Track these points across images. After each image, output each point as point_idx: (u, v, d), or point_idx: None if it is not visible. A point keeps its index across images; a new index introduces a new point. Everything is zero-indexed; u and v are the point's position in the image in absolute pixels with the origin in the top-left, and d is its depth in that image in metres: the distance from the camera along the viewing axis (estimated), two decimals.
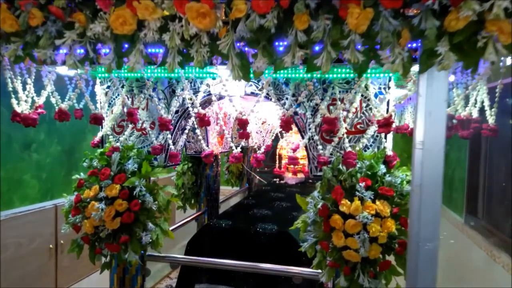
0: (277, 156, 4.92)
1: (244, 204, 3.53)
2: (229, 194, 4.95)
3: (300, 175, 4.88)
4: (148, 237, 2.18)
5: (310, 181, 4.94)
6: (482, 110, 2.26)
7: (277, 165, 5.05)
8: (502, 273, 3.31)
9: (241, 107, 2.03)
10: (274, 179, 5.10)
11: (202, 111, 1.80)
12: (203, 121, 1.78)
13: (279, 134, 5.00)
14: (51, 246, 3.40)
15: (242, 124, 1.77)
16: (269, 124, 4.79)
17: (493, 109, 2.20)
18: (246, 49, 1.21)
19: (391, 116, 1.65)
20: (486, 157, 4.24)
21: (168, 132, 2.18)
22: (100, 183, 2.18)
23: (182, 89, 2.13)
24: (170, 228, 3.40)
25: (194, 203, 3.89)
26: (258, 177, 5.52)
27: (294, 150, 4.01)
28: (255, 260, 2.30)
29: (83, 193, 2.24)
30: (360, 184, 1.89)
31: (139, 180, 2.15)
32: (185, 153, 3.46)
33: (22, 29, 1.30)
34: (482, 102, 2.21)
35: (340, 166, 1.97)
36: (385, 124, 1.62)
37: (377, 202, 1.86)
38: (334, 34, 1.06)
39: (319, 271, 2.05)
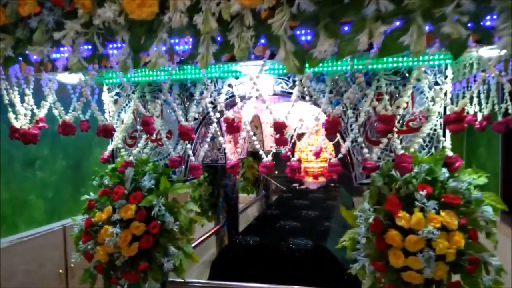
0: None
1: (268, 215, 3.24)
2: (247, 203, 4.67)
3: (321, 179, 4.58)
4: (171, 263, 1.90)
5: (332, 184, 4.64)
6: None
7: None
8: None
9: (270, 109, 1.75)
10: (294, 185, 4.81)
11: (230, 115, 1.52)
12: (233, 127, 1.50)
13: (295, 137, 4.73)
14: (60, 271, 3.13)
15: (279, 128, 1.49)
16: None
17: None
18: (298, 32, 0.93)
19: (463, 110, 1.36)
20: None
21: (187, 141, 1.90)
22: (113, 204, 1.91)
23: (202, 92, 1.86)
24: (196, 241, 3.14)
25: (212, 215, 3.62)
26: (276, 183, 5.24)
27: (317, 154, 3.73)
28: (290, 282, 2.01)
29: (94, 215, 1.97)
30: (420, 192, 1.60)
31: (157, 198, 1.87)
32: None
33: (11, 22, 1.03)
34: None
35: (393, 172, 1.68)
36: (456, 120, 1.33)
37: (442, 213, 1.56)
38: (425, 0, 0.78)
39: None
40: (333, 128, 1.42)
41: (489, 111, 2.30)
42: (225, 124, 1.53)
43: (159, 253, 1.92)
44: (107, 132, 1.61)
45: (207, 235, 3.12)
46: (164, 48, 0.89)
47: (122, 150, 2.04)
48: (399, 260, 1.59)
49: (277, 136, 1.54)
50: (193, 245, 3.21)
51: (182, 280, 2.07)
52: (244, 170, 5.01)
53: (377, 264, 1.65)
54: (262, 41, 0.93)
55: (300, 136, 4.82)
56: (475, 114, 2.55)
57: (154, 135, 2.01)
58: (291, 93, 1.78)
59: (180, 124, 1.55)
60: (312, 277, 2.17)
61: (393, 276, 1.65)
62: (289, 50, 0.84)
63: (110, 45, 1.22)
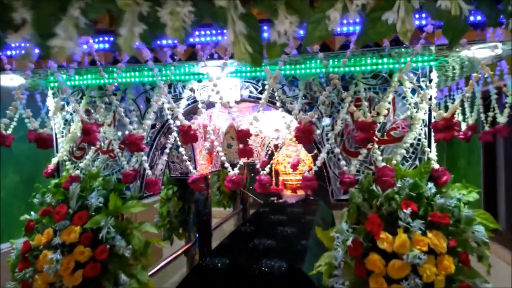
0: (273, 172, 4.42)
1: (242, 233, 3.00)
2: (222, 218, 4.41)
3: (300, 192, 4.37)
4: None
5: (312, 198, 4.44)
6: None
7: (273, 182, 4.54)
8: None
9: (237, 116, 1.54)
10: (271, 198, 4.59)
11: (186, 123, 1.30)
12: (188, 136, 1.28)
13: (272, 148, 4.52)
14: None
15: (241, 137, 1.28)
16: (261, 138, 4.30)
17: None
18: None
19: (453, 115, 1.18)
20: (504, 158, 3.83)
21: (142, 153, 1.67)
22: (55, 225, 1.65)
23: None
24: (157, 267, 2.86)
25: (183, 232, 3.35)
26: (253, 197, 5.01)
27: (294, 166, 3.53)
28: None
29: (33, 239, 1.70)
30: (404, 210, 1.40)
31: (106, 219, 1.62)
32: (168, 175, 2.93)
33: None
34: None
35: (373, 187, 1.48)
36: (446, 127, 1.14)
37: (429, 234, 1.37)
38: None
39: None
40: (305, 137, 1.22)
41: (474, 120, 2.16)
42: (181, 133, 1.30)
43: (108, 282, 1.66)
44: (44, 142, 1.36)
45: (176, 254, 2.85)
46: (75, 32, 0.67)
47: (67, 163, 1.78)
48: None
49: (241, 146, 1.32)
50: (160, 265, 2.95)
51: None
52: (220, 183, 4.77)
53: None
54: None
55: (277, 148, 4.63)
56: (459, 123, 2.41)
57: (106, 146, 1.77)
58: (260, 99, 1.59)
59: (129, 133, 1.32)
60: None
61: None
62: (239, 31, 0.64)
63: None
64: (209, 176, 3.40)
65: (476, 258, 1.44)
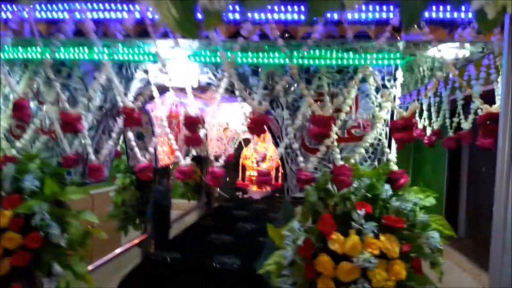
0: (240, 167, 4.34)
1: (200, 226, 2.90)
2: (185, 210, 4.29)
3: (266, 189, 4.31)
4: (53, 286, 1.51)
5: (277, 195, 4.38)
6: None
7: (240, 177, 4.46)
8: None
9: (185, 103, 1.44)
10: (237, 193, 4.50)
11: (130, 105, 1.19)
12: (131, 119, 1.17)
13: (242, 142, 4.43)
14: None
15: (190, 124, 1.18)
16: (231, 131, 4.20)
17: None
18: None
19: (413, 115, 1.12)
20: (468, 166, 3.89)
21: (86, 136, 1.54)
22: None
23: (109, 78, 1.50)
24: (106, 257, 2.72)
25: (140, 223, 3.22)
26: (218, 190, 4.91)
27: (261, 160, 3.45)
28: None
29: None
30: (358, 211, 1.34)
31: (41, 204, 1.48)
32: (126, 163, 2.79)
33: None
34: None
35: (329, 186, 1.41)
36: (404, 128, 1.08)
37: (382, 237, 1.32)
38: None
39: None
40: (257, 128, 1.13)
41: (440, 125, 2.14)
42: (124, 116, 1.19)
43: (40, 272, 1.53)
44: None
45: (128, 246, 2.72)
46: None
47: (3, 142, 1.62)
48: None
49: (189, 133, 1.22)
50: (113, 254, 2.79)
51: None
52: None
53: None
54: None
55: (248, 142, 4.54)
56: (424, 128, 2.39)
57: (48, 126, 1.62)
58: (218, 86, 1.49)
59: (62, 111, 1.19)
60: None
61: None
62: None
63: None
64: (170, 167, 3.27)
65: (428, 264, 1.40)
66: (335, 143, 1.45)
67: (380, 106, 1.48)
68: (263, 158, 3.37)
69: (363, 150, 1.47)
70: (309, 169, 1.50)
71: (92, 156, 1.55)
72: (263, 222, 3.21)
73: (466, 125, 1.86)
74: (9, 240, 1.45)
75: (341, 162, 1.44)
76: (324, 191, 1.45)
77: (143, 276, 2.03)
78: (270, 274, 1.54)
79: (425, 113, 2.31)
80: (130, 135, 1.54)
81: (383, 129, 1.49)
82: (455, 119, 2.00)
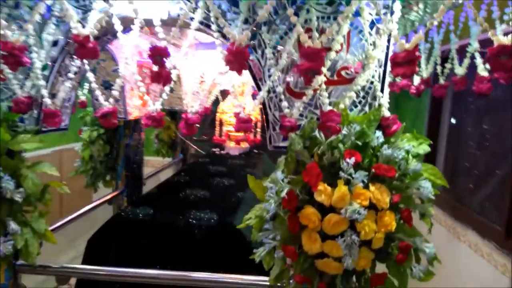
0: (217, 122, 4.17)
1: (174, 183, 2.76)
2: (159, 167, 4.13)
3: (244, 145, 4.18)
4: (9, 245, 1.35)
5: (256, 151, 4.27)
6: None
7: (217, 132, 4.30)
8: (468, 253, 2.96)
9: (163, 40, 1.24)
10: (214, 149, 4.36)
11: (84, 32, 0.99)
12: (85, 50, 0.97)
13: (219, 96, 4.23)
14: None
15: (157, 56, 1.00)
16: (208, 83, 3.98)
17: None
18: None
19: (416, 47, 0.98)
20: (447, 120, 3.86)
21: (41, 76, 1.32)
22: None
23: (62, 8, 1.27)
24: (75, 214, 2.56)
25: (110, 180, 3.05)
26: (194, 147, 4.75)
27: (238, 113, 3.29)
28: (185, 267, 1.59)
29: None
30: (347, 160, 1.23)
31: None
32: (91, 114, 2.57)
33: None
34: None
35: (316, 133, 1.28)
36: (407, 61, 0.94)
37: (372, 188, 1.22)
38: None
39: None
40: (237, 61, 0.96)
41: (430, 73, 2.03)
42: (76, 46, 0.99)
43: None
44: None
45: (98, 202, 2.56)
46: None
47: None
48: (314, 245, 1.24)
49: (155, 68, 1.04)
50: (81, 211, 2.62)
51: (38, 265, 1.53)
52: (159, 130, 4.44)
53: (288, 249, 1.28)
54: None
55: (225, 95, 4.35)
56: (410, 78, 2.28)
57: None
58: (192, 19, 1.30)
59: (2, 40, 0.97)
60: (215, 260, 1.77)
61: (305, 264, 1.30)
62: None
63: None
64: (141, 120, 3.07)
65: (417, 215, 1.33)
66: (323, 86, 1.31)
67: (374, 44, 1.33)
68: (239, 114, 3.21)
69: (353, 94, 1.33)
70: (294, 116, 1.36)
71: (47, 100, 1.35)
72: (240, 177, 3.14)
73: (460, 70, 1.74)
74: None
75: (329, 107, 1.30)
76: (310, 139, 1.33)
77: (114, 233, 1.90)
78: (251, 229, 1.44)
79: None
80: (90, 76, 1.33)
81: (376, 71, 1.35)
82: (447, 65, 1.87)
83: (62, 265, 1.57)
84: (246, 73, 1.32)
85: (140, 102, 2.85)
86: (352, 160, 1.23)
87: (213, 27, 1.34)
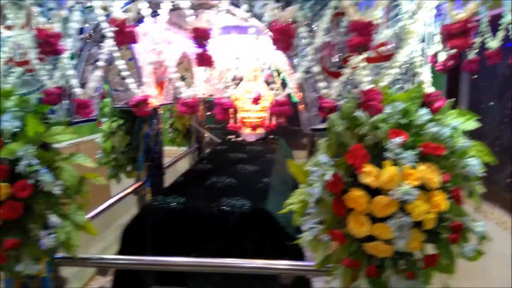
0: (231, 109, 4.12)
1: (198, 171, 2.74)
2: (176, 157, 4.11)
3: (260, 131, 4.13)
4: (52, 238, 1.35)
5: (271, 136, 4.23)
6: None
7: (231, 119, 4.26)
8: (497, 231, 2.92)
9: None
10: (229, 137, 4.32)
11: (120, 16, 0.94)
12: (123, 35, 0.94)
13: (231, 81, 4.17)
14: None
15: (198, 36, 0.95)
16: (220, 71, 3.93)
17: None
18: None
19: (472, 16, 0.92)
20: (468, 102, 3.78)
21: (70, 66, 1.29)
22: None
23: None
24: (101, 207, 2.55)
25: (132, 170, 3.04)
26: (209, 135, 4.73)
27: (256, 100, 3.25)
28: (221, 255, 1.58)
29: None
30: (393, 140, 1.19)
31: (25, 148, 1.27)
32: (110, 105, 2.54)
33: None
34: None
35: (358, 113, 1.24)
36: (462, 32, 0.89)
37: (421, 167, 1.18)
38: None
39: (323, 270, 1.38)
40: (284, 39, 0.92)
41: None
42: (114, 30, 0.95)
43: (34, 224, 1.36)
44: None
45: (123, 194, 2.56)
46: None
47: None
48: (362, 228, 1.21)
49: (199, 50, 0.99)
50: (106, 204, 2.62)
51: (78, 256, 1.53)
52: (174, 119, 4.41)
53: (335, 233, 1.25)
54: None
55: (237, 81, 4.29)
56: (435, 54, 2.20)
57: (20, 57, 1.36)
58: None
59: (38, 28, 0.94)
60: (251, 247, 1.76)
61: (352, 247, 1.28)
62: None
63: None
64: (160, 110, 3.04)
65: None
66: (362, 64, 1.26)
67: (412, 17, 1.27)
68: (258, 97, 3.16)
69: (395, 71, 1.28)
70: (332, 96, 1.32)
71: (78, 90, 1.32)
72: (263, 163, 3.11)
73: (493, 43, 1.67)
74: None
75: (368, 86, 1.26)
76: (349, 119, 1.29)
77: (149, 222, 1.89)
78: (289, 214, 1.42)
79: (437, 37, 2.11)
80: (121, 64, 1.29)
81: (416, 45, 1.30)
82: (477, 39, 1.80)
83: (102, 256, 1.56)
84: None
85: (156, 91, 2.81)
86: (398, 140, 1.19)
87: (244, 6, 1.29)
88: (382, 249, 1.21)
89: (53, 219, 1.35)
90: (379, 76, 1.31)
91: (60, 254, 1.53)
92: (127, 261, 1.62)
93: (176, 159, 3.82)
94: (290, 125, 6.13)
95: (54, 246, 1.35)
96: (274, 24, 0.94)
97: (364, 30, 0.92)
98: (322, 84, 1.31)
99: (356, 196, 1.19)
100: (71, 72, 1.30)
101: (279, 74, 3.90)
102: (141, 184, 2.83)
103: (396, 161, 1.19)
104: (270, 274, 1.56)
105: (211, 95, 3.98)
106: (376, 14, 1.23)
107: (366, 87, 1.26)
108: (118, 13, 0.94)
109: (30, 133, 1.29)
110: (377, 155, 1.24)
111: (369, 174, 1.18)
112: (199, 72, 3.84)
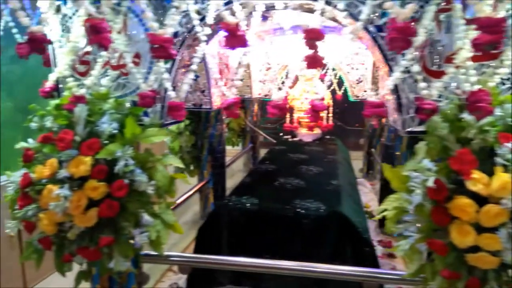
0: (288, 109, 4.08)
1: (263, 171, 2.74)
2: (232, 157, 4.14)
3: (317, 131, 4.07)
4: (145, 237, 1.39)
5: (328, 137, 4.15)
6: None
7: (288, 119, 4.23)
8: None
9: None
10: (285, 137, 4.30)
11: (232, 20, 0.94)
12: (235, 39, 0.93)
13: (286, 83, 4.13)
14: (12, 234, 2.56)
15: (311, 38, 0.93)
16: (274, 70, 3.91)
17: None
18: None
19: None
20: None
21: (163, 69, 1.31)
22: (59, 155, 1.34)
23: None
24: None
25: (195, 169, 3.10)
26: (264, 135, 4.73)
27: (316, 107, 3.20)
28: (297, 257, 1.56)
29: (33, 171, 1.41)
30: (506, 144, 1.10)
31: (123, 149, 1.31)
32: None
33: None
34: None
35: (464, 116, 1.17)
36: None
37: None
38: None
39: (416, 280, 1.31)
40: (403, 39, 0.87)
41: None
42: (226, 33, 0.95)
43: (128, 222, 1.40)
44: (37, 42, 1.00)
45: (191, 192, 2.61)
46: None
47: (69, 79, 1.43)
48: (466, 238, 1.14)
49: (310, 51, 0.97)
50: (180, 200, 2.68)
51: (160, 254, 1.56)
52: (230, 119, 4.46)
53: (435, 243, 1.18)
54: None
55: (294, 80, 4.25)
56: None
57: (116, 60, 1.41)
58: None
59: (150, 33, 0.96)
60: (327, 251, 1.72)
61: (450, 258, 1.20)
62: None
63: None
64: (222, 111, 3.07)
65: None
66: (468, 63, 1.18)
67: None
68: (322, 98, 3.11)
69: (505, 70, 1.19)
70: (433, 97, 1.25)
71: (172, 93, 1.34)
72: (326, 164, 3.06)
73: None
74: (93, 190, 1.31)
75: (475, 87, 1.18)
76: (453, 122, 1.21)
77: (224, 222, 1.91)
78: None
79: None
80: (214, 67, 1.30)
81: None
82: None
83: (183, 254, 1.59)
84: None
85: (219, 90, 2.84)
86: (510, 145, 1.10)
87: (340, 6, 1.24)
88: (487, 261, 1.13)
89: (146, 217, 1.38)
90: (486, 76, 1.22)
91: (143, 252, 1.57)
92: (206, 260, 1.64)
93: (235, 158, 3.85)
94: (345, 125, 6.03)
95: (144, 245, 1.39)
96: (392, 23, 0.90)
97: (495, 27, 0.85)
98: (422, 84, 1.25)
99: (463, 204, 1.12)
100: (165, 75, 1.33)
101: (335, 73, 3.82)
102: (206, 182, 2.88)
103: (507, 167, 1.11)
104: (353, 281, 1.51)
105: (266, 95, 3.97)
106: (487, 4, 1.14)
107: (472, 87, 1.18)
108: (230, 17, 0.94)
109: (128, 134, 1.33)
110: (484, 160, 1.16)
111: (478, 181, 1.11)
112: (256, 73, 3.85)
